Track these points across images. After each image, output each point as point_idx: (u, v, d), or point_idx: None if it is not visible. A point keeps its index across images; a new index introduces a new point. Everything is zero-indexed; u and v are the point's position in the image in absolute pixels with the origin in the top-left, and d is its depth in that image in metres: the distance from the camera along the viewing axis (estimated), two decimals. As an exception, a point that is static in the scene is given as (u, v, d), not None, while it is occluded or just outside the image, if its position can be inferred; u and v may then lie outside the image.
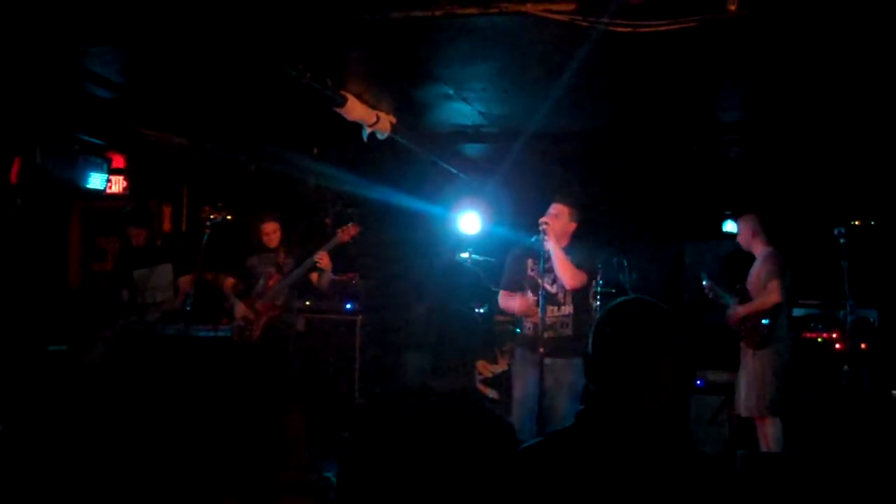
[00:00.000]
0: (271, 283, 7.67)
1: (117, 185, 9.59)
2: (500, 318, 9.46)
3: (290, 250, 7.82)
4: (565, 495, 2.07)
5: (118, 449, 6.19)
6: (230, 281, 7.80)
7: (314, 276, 7.66)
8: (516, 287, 6.59)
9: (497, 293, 9.15)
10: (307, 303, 9.14)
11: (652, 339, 2.17)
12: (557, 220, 6.40)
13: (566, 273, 6.27)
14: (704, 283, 7.56)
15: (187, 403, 6.76)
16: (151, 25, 5.42)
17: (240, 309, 7.62)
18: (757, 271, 7.19)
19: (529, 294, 6.41)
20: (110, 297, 7.78)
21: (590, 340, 2.26)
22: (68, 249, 9.85)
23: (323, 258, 7.52)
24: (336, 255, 7.88)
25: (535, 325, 6.26)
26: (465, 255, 9.88)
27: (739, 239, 7.40)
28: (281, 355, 7.60)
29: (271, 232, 7.79)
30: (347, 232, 7.65)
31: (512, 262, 6.75)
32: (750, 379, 7.00)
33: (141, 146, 8.55)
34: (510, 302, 6.62)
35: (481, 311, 10.02)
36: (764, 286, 7.03)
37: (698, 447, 2.20)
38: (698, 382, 8.43)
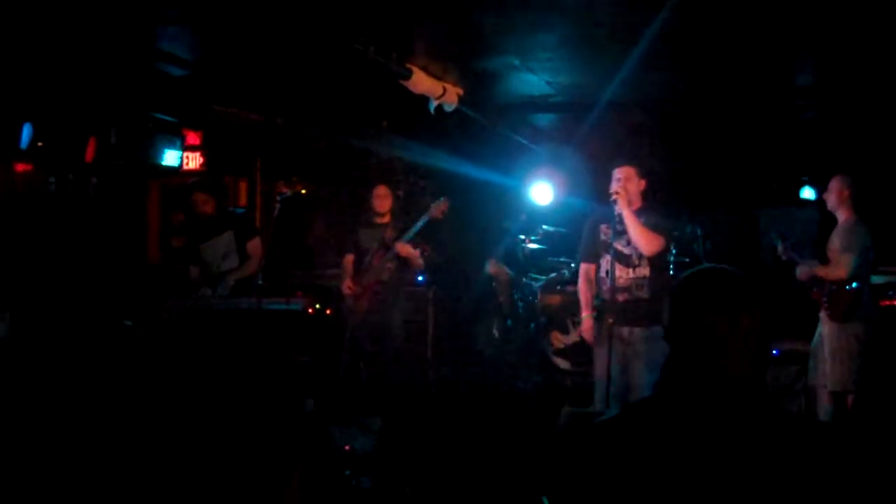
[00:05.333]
0: (376, 260, 7.79)
1: (194, 161, 9.71)
2: (572, 287, 9.42)
3: (396, 223, 7.88)
4: (650, 469, 2.03)
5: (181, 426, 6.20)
6: (349, 258, 7.97)
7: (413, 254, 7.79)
8: (593, 257, 6.53)
9: (567, 264, 9.15)
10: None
11: (726, 304, 2.13)
12: (628, 184, 6.31)
13: (642, 238, 6.17)
14: (778, 245, 7.41)
15: (262, 376, 6.81)
16: (221, 3, 5.48)
17: (346, 284, 7.85)
18: (836, 238, 7.00)
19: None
20: (182, 276, 7.86)
21: (665, 310, 2.24)
22: (147, 226, 10.05)
23: (403, 249, 7.65)
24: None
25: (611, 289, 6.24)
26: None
27: (827, 199, 7.10)
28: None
29: (383, 196, 7.88)
30: (439, 208, 7.67)
31: (587, 232, 6.68)
32: (839, 354, 6.77)
33: (214, 123, 8.66)
34: (582, 284, 6.63)
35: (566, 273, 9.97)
36: (837, 257, 6.86)
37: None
38: (774, 352, 8.29)
